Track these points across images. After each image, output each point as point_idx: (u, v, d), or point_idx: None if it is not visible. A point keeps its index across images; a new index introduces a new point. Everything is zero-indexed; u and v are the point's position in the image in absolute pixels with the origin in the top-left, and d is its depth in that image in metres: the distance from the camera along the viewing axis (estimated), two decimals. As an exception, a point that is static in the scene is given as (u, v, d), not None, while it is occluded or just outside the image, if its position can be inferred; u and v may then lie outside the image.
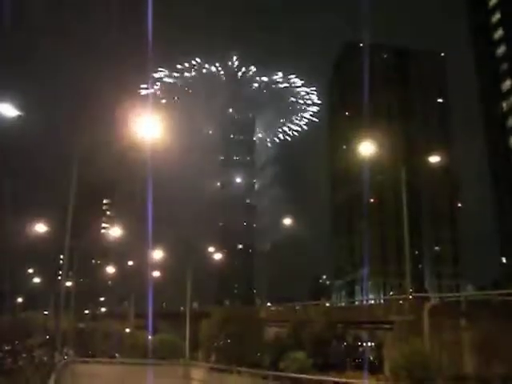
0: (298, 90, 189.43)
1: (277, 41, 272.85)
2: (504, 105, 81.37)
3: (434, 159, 34.50)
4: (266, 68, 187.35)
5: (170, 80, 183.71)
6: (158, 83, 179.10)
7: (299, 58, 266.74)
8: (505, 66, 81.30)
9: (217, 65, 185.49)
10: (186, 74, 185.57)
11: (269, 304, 59.22)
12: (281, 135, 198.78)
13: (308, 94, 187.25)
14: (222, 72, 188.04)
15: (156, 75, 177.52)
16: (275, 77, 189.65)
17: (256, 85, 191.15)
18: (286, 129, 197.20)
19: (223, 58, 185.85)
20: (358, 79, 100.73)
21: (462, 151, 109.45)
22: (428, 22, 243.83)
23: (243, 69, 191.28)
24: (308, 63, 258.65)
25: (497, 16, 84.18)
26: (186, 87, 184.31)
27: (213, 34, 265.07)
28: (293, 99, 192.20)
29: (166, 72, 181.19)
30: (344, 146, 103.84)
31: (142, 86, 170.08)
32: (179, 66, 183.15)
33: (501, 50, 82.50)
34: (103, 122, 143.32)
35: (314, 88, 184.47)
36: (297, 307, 48.16)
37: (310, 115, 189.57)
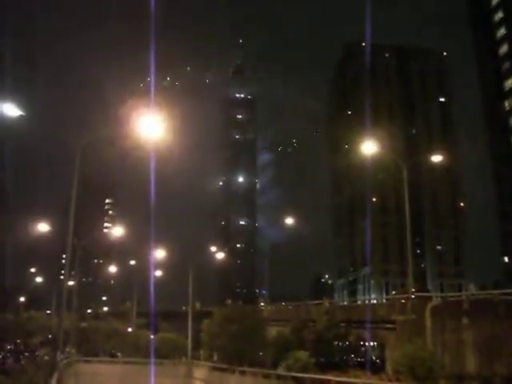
0: (299, 101, 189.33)
1: (277, 40, 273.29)
2: (506, 103, 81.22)
3: (436, 158, 34.44)
4: (266, 71, 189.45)
5: (168, 85, 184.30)
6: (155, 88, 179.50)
7: (301, 57, 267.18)
8: (507, 65, 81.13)
9: (213, 70, 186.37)
10: (184, 80, 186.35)
11: (262, 304, 59.01)
12: (281, 147, 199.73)
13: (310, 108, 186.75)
14: (218, 78, 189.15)
15: (153, 80, 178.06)
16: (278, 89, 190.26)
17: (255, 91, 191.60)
18: (288, 140, 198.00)
19: (222, 62, 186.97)
20: (360, 79, 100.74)
21: (464, 150, 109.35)
22: (429, 21, 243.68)
23: (239, 76, 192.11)
24: (309, 63, 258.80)
25: (499, 15, 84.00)
26: (184, 92, 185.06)
27: (211, 38, 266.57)
28: (294, 110, 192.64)
29: (165, 77, 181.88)
30: (346, 146, 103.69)
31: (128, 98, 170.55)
32: (177, 72, 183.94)
33: (503, 48, 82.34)
34: (106, 121, 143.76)
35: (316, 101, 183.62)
36: (290, 307, 48.18)
37: (313, 128, 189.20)
